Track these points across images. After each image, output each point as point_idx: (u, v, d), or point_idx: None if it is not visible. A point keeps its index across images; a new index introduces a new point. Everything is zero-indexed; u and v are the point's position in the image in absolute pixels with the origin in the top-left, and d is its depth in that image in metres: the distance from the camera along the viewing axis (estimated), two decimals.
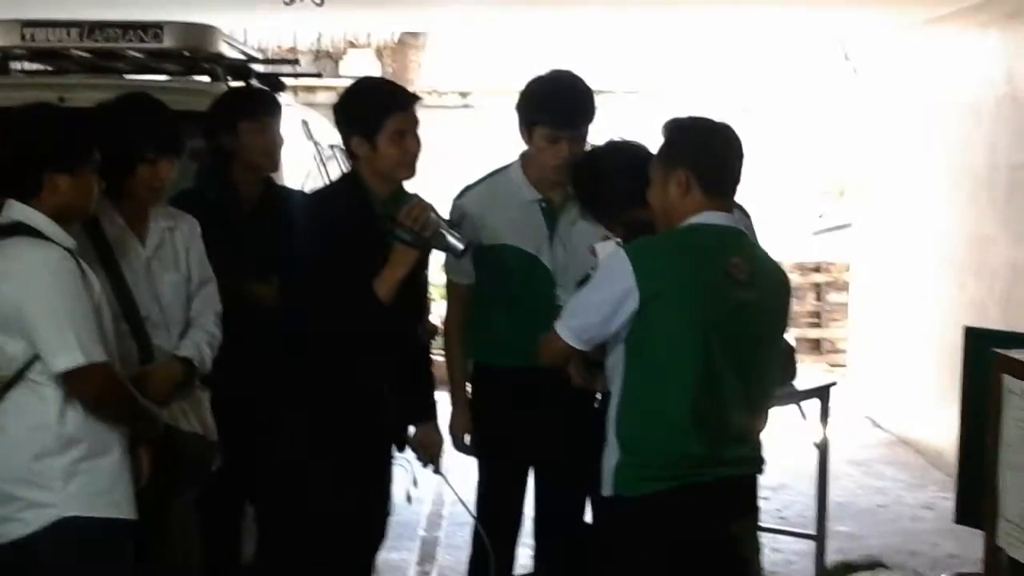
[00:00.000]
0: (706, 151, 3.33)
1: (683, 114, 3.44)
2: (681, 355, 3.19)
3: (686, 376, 3.19)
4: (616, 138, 3.87)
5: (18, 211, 3.19)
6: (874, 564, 2.85)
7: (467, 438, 4.23)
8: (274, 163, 4.41)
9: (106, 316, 3.23)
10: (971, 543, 5.63)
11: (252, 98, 4.60)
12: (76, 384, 3.10)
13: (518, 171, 4.16)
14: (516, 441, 4.19)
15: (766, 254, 3.45)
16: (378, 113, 3.77)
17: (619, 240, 3.54)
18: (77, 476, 3.13)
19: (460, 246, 3.78)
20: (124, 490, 3.21)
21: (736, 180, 3.38)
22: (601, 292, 3.28)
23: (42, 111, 3.35)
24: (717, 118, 3.41)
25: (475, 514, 4.21)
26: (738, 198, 3.51)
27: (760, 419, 3.38)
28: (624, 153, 3.77)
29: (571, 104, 4.01)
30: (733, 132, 3.39)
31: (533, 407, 4.04)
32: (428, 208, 3.73)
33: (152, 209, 3.81)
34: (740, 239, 3.38)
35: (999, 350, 3.03)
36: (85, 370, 3.08)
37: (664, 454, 3.23)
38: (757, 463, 3.38)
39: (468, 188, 4.22)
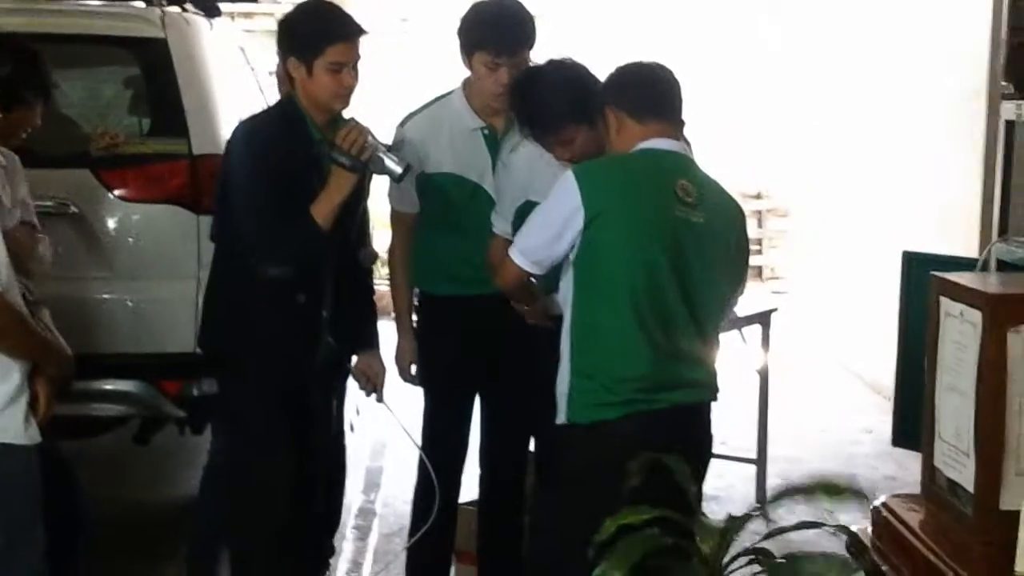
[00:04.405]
0: (624, 81, 3.41)
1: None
2: (627, 274, 3.20)
3: (633, 295, 3.19)
4: (555, 57, 3.83)
5: None
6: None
7: (412, 368, 4.22)
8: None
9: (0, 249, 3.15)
10: (909, 465, 5.74)
11: None
12: None
13: (460, 98, 4.11)
14: (461, 369, 4.18)
15: (717, 183, 3.45)
16: (319, 39, 3.70)
17: None
18: None
19: (398, 169, 3.74)
20: (17, 414, 3.13)
21: (670, 105, 3.40)
22: (548, 213, 3.31)
23: None
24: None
25: (419, 443, 4.20)
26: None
27: (711, 343, 3.37)
28: (562, 71, 3.74)
29: (511, 30, 3.96)
30: (663, 66, 3.45)
31: (477, 335, 4.03)
32: (365, 131, 3.68)
33: None
34: (687, 163, 3.39)
35: (936, 273, 3.05)
36: None
37: (615, 375, 3.22)
38: (711, 389, 3.38)
39: (410, 115, 4.17)
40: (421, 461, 4.21)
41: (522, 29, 3.97)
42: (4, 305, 3.07)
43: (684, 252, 3.23)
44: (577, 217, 3.20)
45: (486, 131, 4.09)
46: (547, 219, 3.31)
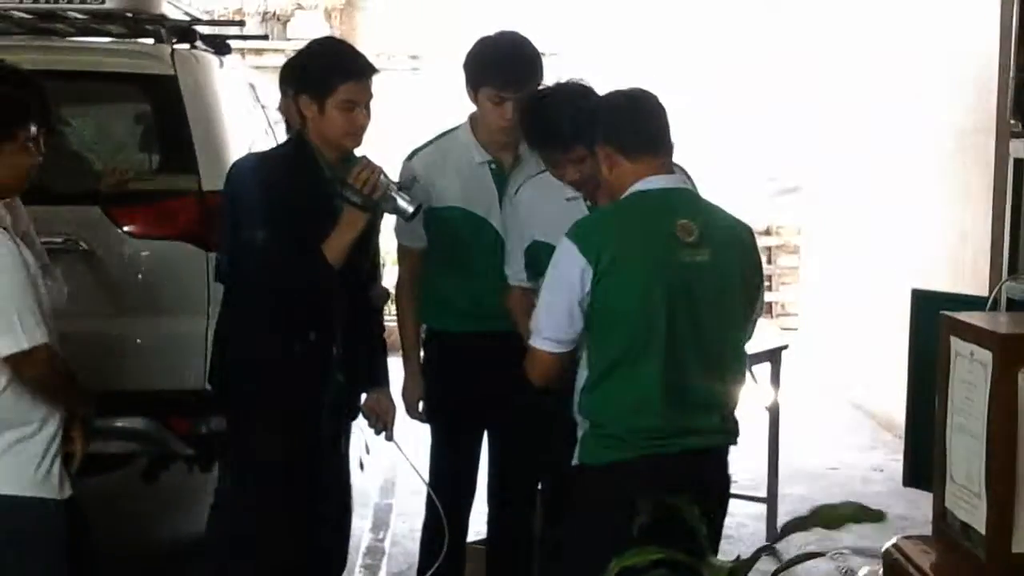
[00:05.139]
0: (615, 119, 3.33)
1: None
2: (636, 325, 3.17)
3: (644, 346, 3.16)
4: (564, 80, 3.86)
5: None
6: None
7: (420, 404, 4.20)
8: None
9: (41, 290, 3.17)
10: (920, 505, 5.70)
11: None
12: (19, 367, 3.05)
13: (467, 132, 4.13)
14: (468, 406, 4.17)
15: (723, 212, 3.40)
16: (331, 77, 3.72)
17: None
18: (7, 455, 3.07)
19: (410, 209, 3.75)
20: (54, 469, 3.15)
21: (660, 137, 3.33)
22: (559, 291, 3.24)
23: None
24: (640, 85, 3.39)
25: (428, 481, 4.18)
26: (685, 161, 3.49)
27: (729, 384, 3.33)
28: (571, 93, 3.77)
29: (516, 65, 3.98)
30: (646, 93, 3.36)
31: (485, 372, 4.02)
32: (377, 170, 3.68)
33: None
34: (686, 199, 3.34)
35: (946, 312, 3.03)
36: (28, 354, 3.04)
37: (628, 426, 3.20)
38: (728, 433, 3.35)
39: (417, 150, 4.18)
40: (429, 499, 4.19)
41: (527, 64, 3.99)
42: (51, 356, 3.08)
43: (693, 297, 3.20)
44: (586, 277, 3.17)
45: (493, 165, 4.10)
46: (560, 297, 3.23)
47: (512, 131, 3.98)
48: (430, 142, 4.20)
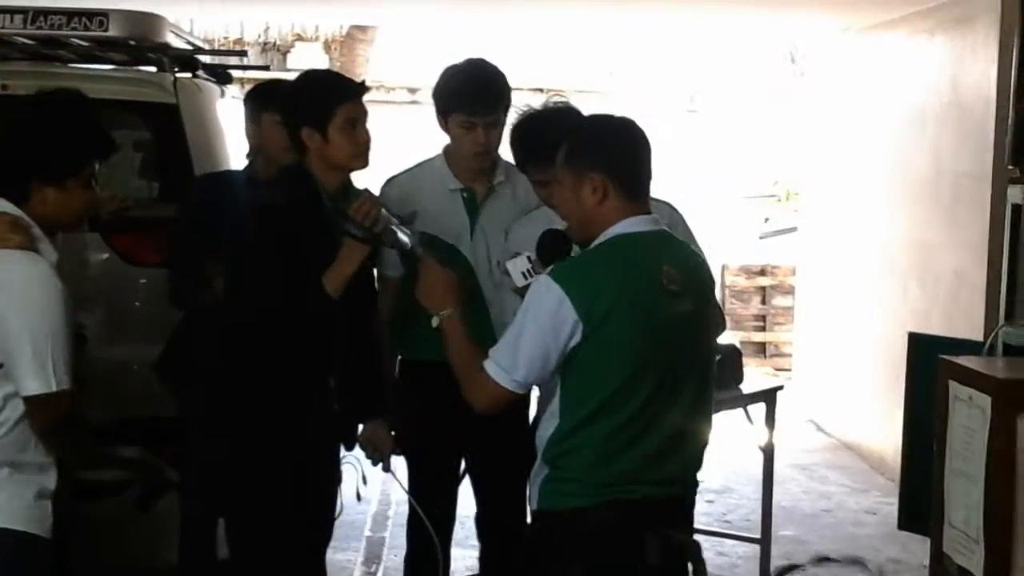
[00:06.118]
0: (620, 152, 3.12)
1: (594, 115, 3.38)
2: (623, 380, 3.03)
3: (626, 399, 3.03)
4: (551, 102, 3.93)
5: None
6: (822, 558, 2.81)
7: (391, 433, 4.19)
8: (292, 157, 3.95)
9: (73, 332, 3.12)
10: (913, 549, 5.70)
11: (277, 91, 4.33)
12: (38, 408, 3.01)
13: (442, 161, 4.18)
14: (444, 436, 4.14)
15: (689, 250, 3.33)
16: (328, 102, 3.73)
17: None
18: (4, 488, 3.03)
19: (410, 243, 3.74)
20: (46, 509, 3.10)
21: (650, 178, 3.20)
22: (539, 334, 3.02)
23: (42, 116, 3.20)
24: (626, 115, 3.25)
25: (421, 512, 4.14)
26: (675, 198, 3.48)
27: (701, 430, 3.22)
28: (559, 112, 3.83)
29: (483, 89, 4.03)
30: (640, 128, 3.18)
31: (457, 401, 3.97)
32: (379, 204, 3.69)
33: None
34: (668, 243, 3.22)
35: (946, 356, 3.04)
36: (52, 397, 3.00)
37: (593, 475, 3.07)
38: (689, 484, 3.24)
39: (394, 177, 4.24)
40: (412, 531, 4.17)
41: (494, 88, 4.05)
42: (71, 402, 3.06)
43: (673, 347, 3.08)
44: (576, 330, 2.99)
45: (465, 193, 4.14)
46: (536, 335, 3.02)
47: (485, 157, 4.05)
48: (407, 170, 4.26)
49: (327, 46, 14.35)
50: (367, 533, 6.34)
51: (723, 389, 5.13)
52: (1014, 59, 4.99)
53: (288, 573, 3.83)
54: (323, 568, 4.19)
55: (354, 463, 4.23)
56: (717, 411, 5.00)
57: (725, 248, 11.65)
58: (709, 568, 3.37)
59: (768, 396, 5.62)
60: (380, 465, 4.14)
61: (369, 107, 3.84)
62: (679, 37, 11.99)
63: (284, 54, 13.90)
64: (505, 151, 4.12)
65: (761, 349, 11.69)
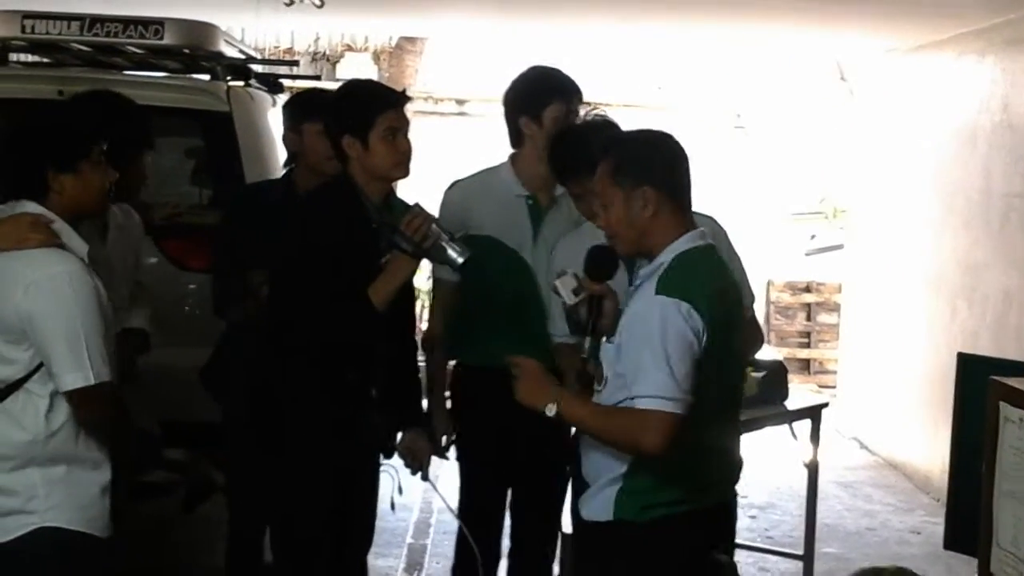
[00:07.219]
0: (666, 165, 3.13)
1: (633, 129, 3.39)
2: (707, 385, 3.04)
3: (709, 405, 3.06)
4: (591, 116, 3.97)
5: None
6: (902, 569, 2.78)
7: (445, 439, 4.20)
8: (334, 167, 3.99)
9: (109, 321, 3.18)
10: (957, 569, 5.65)
11: (319, 100, 4.34)
12: (81, 403, 3.06)
13: (508, 168, 4.21)
14: (496, 445, 4.16)
15: (728, 266, 3.39)
16: (369, 111, 3.75)
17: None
18: (60, 488, 3.08)
19: (460, 259, 3.72)
20: (103, 508, 3.16)
21: (691, 190, 3.20)
22: (685, 348, 2.97)
23: (38, 110, 3.30)
24: (665, 129, 3.29)
25: (461, 520, 4.17)
26: (721, 213, 3.50)
27: (738, 437, 3.40)
28: (596, 125, 3.87)
29: (569, 78, 4.14)
30: (678, 141, 3.20)
31: (513, 410, 3.96)
32: (429, 219, 3.69)
33: None
34: (719, 258, 3.29)
35: (996, 377, 3.03)
36: (93, 389, 3.04)
37: (677, 481, 3.11)
38: (734, 486, 3.38)
39: (458, 181, 4.27)
40: (460, 540, 4.18)
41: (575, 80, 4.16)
42: (113, 394, 3.11)
43: (734, 354, 3.21)
44: (703, 338, 2.99)
45: (530, 200, 4.17)
46: (682, 346, 2.96)
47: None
48: (472, 175, 4.29)
49: (376, 57, 14.42)
50: (409, 540, 6.36)
51: (768, 405, 5.13)
52: None
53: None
54: (365, 574, 4.21)
55: (391, 472, 4.25)
56: (762, 427, 5.03)
57: (771, 264, 11.63)
58: None
59: (813, 413, 5.60)
60: (419, 475, 4.15)
61: (417, 118, 3.89)
62: (727, 53, 11.98)
63: (334, 64, 13.97)
64: None
65: (805, 366, 11.63)
